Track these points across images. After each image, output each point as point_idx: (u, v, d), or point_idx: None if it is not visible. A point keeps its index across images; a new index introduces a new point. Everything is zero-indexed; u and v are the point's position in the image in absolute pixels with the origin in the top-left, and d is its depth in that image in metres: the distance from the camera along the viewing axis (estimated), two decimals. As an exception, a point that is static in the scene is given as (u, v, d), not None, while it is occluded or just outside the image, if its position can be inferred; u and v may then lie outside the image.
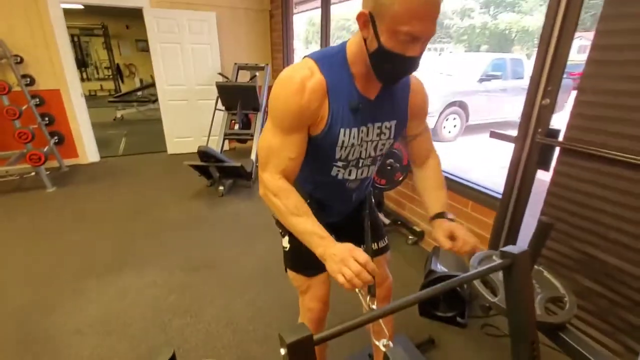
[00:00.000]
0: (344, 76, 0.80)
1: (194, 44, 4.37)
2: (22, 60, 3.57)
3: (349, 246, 0.75)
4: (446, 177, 2.13)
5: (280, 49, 4.56)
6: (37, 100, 3.68)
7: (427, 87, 1.00)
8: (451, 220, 0.93)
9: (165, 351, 0.65)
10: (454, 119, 5.85)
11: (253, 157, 3.78)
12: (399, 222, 2.59)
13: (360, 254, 0.73)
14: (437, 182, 1.03)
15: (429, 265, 1.79)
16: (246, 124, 4.23)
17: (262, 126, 3.99)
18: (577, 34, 1.52)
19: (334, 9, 3.61)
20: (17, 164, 3.33)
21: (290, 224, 0.82)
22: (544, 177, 1.73)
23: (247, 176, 3.48)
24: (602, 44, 1.37)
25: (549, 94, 1.59)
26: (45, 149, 3.36)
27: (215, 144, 3.95)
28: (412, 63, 0.74)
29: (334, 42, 3.71)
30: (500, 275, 1.16)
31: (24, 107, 3.38)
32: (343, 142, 0.85)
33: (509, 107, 6.09)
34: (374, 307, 0.84)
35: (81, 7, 7.10)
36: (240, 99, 3.86)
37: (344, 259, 0.72)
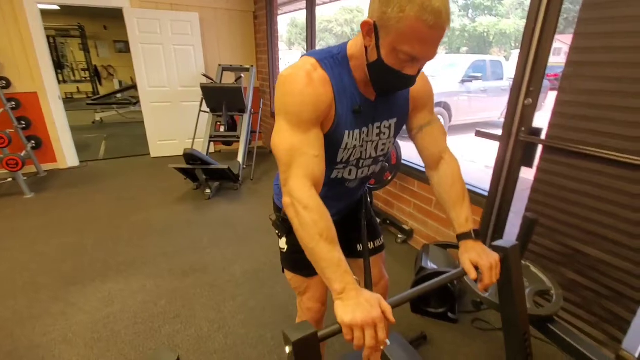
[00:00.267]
0: (345, 77, 0.79)
1: (176, 45, 4.31)
2: (-4, 62, 3.43)
3: (379, 302, 0.66)
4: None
5: (265, 50, 4.54)
6: (14, 103, 3.54)
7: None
8: (477, 238, 0.88)
9: (169, 357, 0.64)
10: (438, 119, 5.98)
11: (240, 159, 3.75)
12: (388, 222, 2.62)
13: (384, 328, 0.65)
14: (456, 195, 0.92)
15: (420, 263, 1.82)
16: (232, 126, 4.19)
17: (249, 128, 3.97)
18: (554, 37, 1.58)
19: (317, 11, 3.62)
20: (-8, 170, 3.20)
21: (313, 246, 0.70)
22: (523, 176, 1.79)
23: (234, 179, 3.45)
24: (580, 47, 1.43)
25: (531, 94, 1.65)
26: (23, 154, 3.23)
27: (201, 147, 3.89)
28: (408, 80, 0.74)
29: (318, 43, 3.72)
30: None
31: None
32: (347, 144, 0.84)
33: (490, 107, 6.27)
34: None
35: (57, 7, 6.88)
36: (225, 101, 3.82)
37: (367, 322, 0.63)
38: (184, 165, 3.17)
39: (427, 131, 0.95)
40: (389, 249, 2.45)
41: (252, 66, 4.28)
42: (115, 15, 7.87)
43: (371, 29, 0.69)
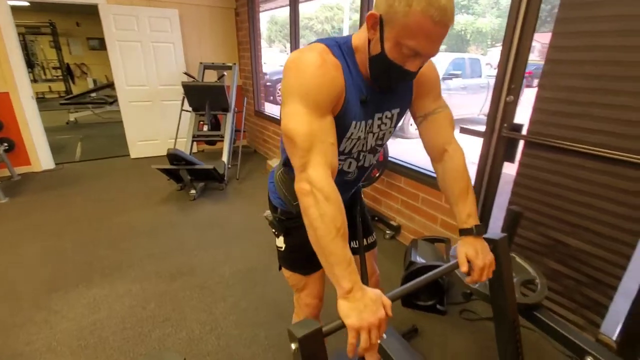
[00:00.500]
0: (352, 67, 0.78)
1: (155, 42, 4.20)
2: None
3: (381, 301, 0.69)
4: (420, 172, 2.26)
5: (247, 47, 4.49)
6: (-18, 103, 3.36)
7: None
8: (478, 234, 0.89)
9: (175, 358, 0.63)
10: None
11: (225, 158, 3.70)
12: (376, 218, 2.66)
13: (385, 326, 0.68)
14: (459, 190, 0.91)
15: (409, 258, 1.86)
16: (215, 125, 4.13)
17: (233, 127, 3.92)
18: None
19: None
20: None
21: (329, 240, 0.68)
22: (505, 171, 1.86)
23: (219, 179, 3.40)
24: (558, 45, 1.49)
25: (512, 91, 1.71)
26: (-6, 157, 3.08)
27: (184, 146, 3.82)
28: (408, 75, 0.74)
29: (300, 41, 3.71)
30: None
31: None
32: (352, 134, 0.83)
33: (470, 104, 6.42)
34: None
35: (26, 4, 6.56)
36: (208, 100, 3.75)
37: (373, 325, 0.65)
38: (168, 166, 3.10)
39: (431, 120, 0.92)
40: (378, 245, 2.48)
41: (235, 64, 4.22)
42: (89, 12, 7.58)
43: (376, 22, 0.70)
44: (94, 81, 9.10)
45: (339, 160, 0.90)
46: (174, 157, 3.01)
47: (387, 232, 2.55)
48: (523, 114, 1.73)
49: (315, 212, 0.69)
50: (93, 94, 7.56)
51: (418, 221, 2.33)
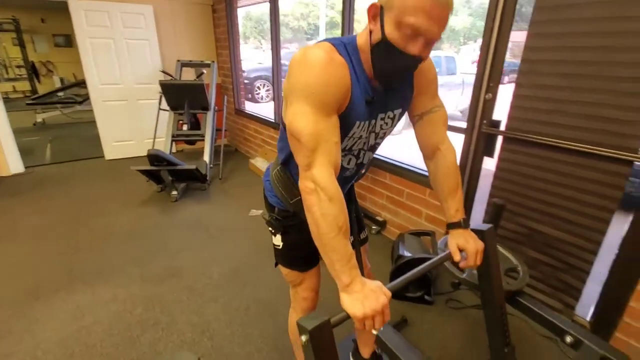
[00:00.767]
0: (357, 66, 0.79)
1: (129, 39, 4.07)
2: None
3: (381, 291, 0.73)
4: (404, 168, 2.32)
5: (225, 45, 4.43)
6: (-60, 104, 3.15)
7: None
8: (466, 227, 0.94)
9: (190, 358, 0.64)
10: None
11: (206, 158, 3.65)
12: (362, 214, 2.70)
13: (389, 312, 0.73)
14: (448, 187, 0.95)
15: (397, 251, 1.92)
16: (194, 124, 4.05)
17: (214, 126, 3.86)
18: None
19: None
20: None
21: (332, 237, 0.71)
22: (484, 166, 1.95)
23: (202, 179, 3.35)
24: (533, 46, 1.57)
25: (491, 89, 1.79)
26: (-43, 161, 2.90)
27: (162, 147, 3.72)
28: (410, 62, 0.73)
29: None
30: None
31: None
32: (354, 133, 0.84)
33: (446, 101, 6.59)
34: None
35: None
36: (187, 98, 3.68)
37: (376, 311, 0.70)
38: (149, 167, 3.02)
39: (427, 119, 0.94)
40: (364, 240, 2.53)
41: (213, 62, 4.15)
42: (54, 7, 7.23)
43: (377, 12, 0.72)
44: (61, 80, 8.67)
45: (341, 157, 0.92)
46: (154, 157, 2.93)
47: (373, 227, 2.60)
48: (498, 111, 1.82)
49: (318, 211, 0.71)
50: (61, 94, 7.21)
51: (403, 216, 2.40)
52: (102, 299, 1.93)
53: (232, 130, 4.94)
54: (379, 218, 2.58)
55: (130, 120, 4.31)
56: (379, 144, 0.98)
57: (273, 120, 3.92)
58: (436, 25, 0.68)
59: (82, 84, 7.23)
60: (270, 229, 1.10)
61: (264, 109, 5.24)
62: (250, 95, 8.72)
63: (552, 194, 1.64)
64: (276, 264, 1.17)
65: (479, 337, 1.69)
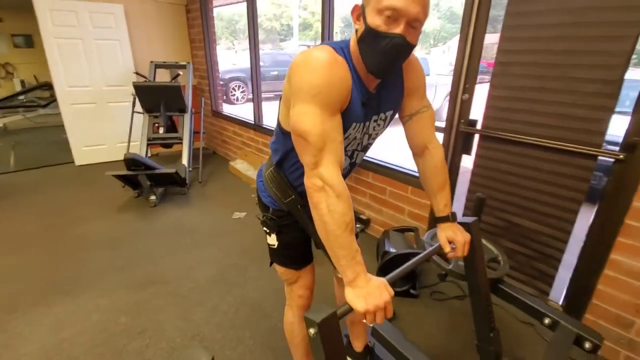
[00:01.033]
0: (352, 68, 0.81)
1: (99, 40, 3.92)
2: None
3: (385, 288, 0.75)
4: (386, 167, 2.39)
5: (201, 46, 4.35)
6: None
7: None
8: (454, 221, 1.01)
9: (203, 354, 0.65)
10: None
11: (185, 161, 3.58)
12: (344, 213, 2.75)
13: (392, 308, 0.75)
14: (437, 184, 1.00)
15: (383, 248, 1.98)
16: (170, 127, 3.95)
17: (191, 128, 3.79)
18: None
19: (244, 8, 3.56)
20: None
21: (339, 233, 0.73)
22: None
23: (181, 183, 3.28)
24: (506, 49, 1.67)
25: (467, 90, 1.88)
26: None
27: (137, 150, 3.61)
28: (396, 43, 0.72)
29: (246, 38, 3.68)
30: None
31: None
32: (349, 134, 0.87)
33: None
34: None
35: None
36: (163, 101, 3.59)
37: (379, 307, 0.72)
38: (125, 172, 2.92)
39: (416, 119, 0.98)
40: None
41: (189, 63, 4.07)
42: (12, 6, 6.85)
43: (360, 11, 0.76)
44: (22, 82, 8.19)
45: None
46: (132, 162, 2.85)
47: (357, 225, 2.66)
48: (475, 110, 1.92)
49: (326, 208, 0.73)
50: (22, 97, 6.81)
51: (386, 213, 2.46)
52: (83, 310, 1.87)
53: (210, 132, 4.86)
54: (362, 216, 2.64)
55: (101, 124, 4.14)
56: (371, 144, 1.02)
57: (253, 122, 3.90)
58: (414, 4, 0.69)
59: (45, 86, 6.88)
60: (265, 229, 1.11)
61: (241, 111, 5.19)
62: (225, 97, 8.60)
63: (526, 188, 1.75)
64: (271, 263, 1.18)
65: (462, 325, 1.77)
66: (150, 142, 3.71)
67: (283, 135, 0.94)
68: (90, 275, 2.15)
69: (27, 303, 1.89)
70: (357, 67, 0.82)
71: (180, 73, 3.88)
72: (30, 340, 1.65)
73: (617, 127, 1.47)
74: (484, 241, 1.54)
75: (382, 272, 1.89)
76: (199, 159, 3.84)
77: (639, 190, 1.38)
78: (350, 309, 0.75)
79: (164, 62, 4.13)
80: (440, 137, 2.01)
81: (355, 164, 1.05)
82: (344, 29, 14.75)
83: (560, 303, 1.74)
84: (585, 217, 1.63)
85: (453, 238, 0.99)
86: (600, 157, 1.50)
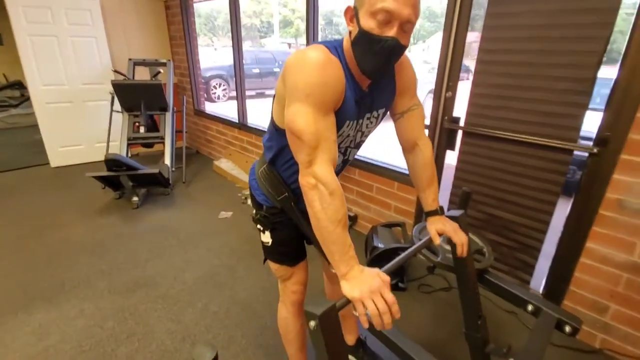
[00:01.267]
0: (345, 68, 0.82)
1: (74, 37, 3.79)
2: None
3: (378, 275, 0.75)
4: (373, 164, 2.43)
5: (181, 43, 4.28)
6: None
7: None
8: (442, 214, 1.04)
9: (209, 351, 0.66)
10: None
11: (167, 161, 3.51)
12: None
13: (389, 292, 0.73)
14: (426, 179, 1.04)
15: (372, 243, 2.01)
16: (151, 126, 3.87)
17: (173, 127, 3.72)
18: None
19: (222, 3, 3.51)
20: None
21: (332, 229, 0.75)
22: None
23: (164, 183, 3.22)
24: (486, 48, 1.73)
25: (450, 88, 1.93)
26: None
27: (117, 150, 3.52)
28: (389, 45, 0.74)
29: (226, 35, 3.65)
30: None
31: None
32: (343, 132, 0.88)
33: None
34: None
35: None
36: (144, 99, 3.50)
37: (373, 292, 0.71)
38: (107, 173, 2.84)
39: (407, 117, 1.01)
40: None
41: (169, 60, 3.99)
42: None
43: (353, 13, 0.78)
44: (-11, 80, 7.80)
45: None
46: (113, 162, 2.77)
47: (344, 222, 2.68)
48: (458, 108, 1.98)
49: (319, 205, 0.75)
50: (-10, 96, 6.50)
51: (373, 209, 2.51)
52: (67, 316, 1.82)
53: (192, 132, 4.78)
54: (350, 213, 2.67)
55: (78, 124, 4.01)
56: (363, 141, 1.05)
57: (237, 121, 3.86)
58: (406, 7, 0.71)
59: (16, 85, 6.59)
60: (258, 226, 1.12)
61: (222, 109, 5.13)
62: (206, 95, 8.46)
63: (507, 181, 1.82)
64: (265, 260, 1.19)
65: (450, 316, 1.83)
66: (131, 142, 3.62)
67: (277, 132, 0.95)
68: (73, 280, 2.09)
69: (6, 311, 1.83)
70: (350, 67, 0.84)
71: (161, 71, 3.79)
72: (12, 349, 1.60)
73: (591, 123, 1.55)
74: (469, 233, 1.60)
75: (371, 267, 1.92)
76: (181, 158, 3.77)
77: (611, 182, 1.46)
78: (348, 301, 0.77)
79: (144, 60, 4.02)
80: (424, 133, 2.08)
81: (348, 161, 1.07)
82: (325, 26, 14.77)
83: (541, 291, 1.83)
84: (562, 209, 1.71)
85: (443, 230, 1.03)
86: (575, 152, 1.58)
